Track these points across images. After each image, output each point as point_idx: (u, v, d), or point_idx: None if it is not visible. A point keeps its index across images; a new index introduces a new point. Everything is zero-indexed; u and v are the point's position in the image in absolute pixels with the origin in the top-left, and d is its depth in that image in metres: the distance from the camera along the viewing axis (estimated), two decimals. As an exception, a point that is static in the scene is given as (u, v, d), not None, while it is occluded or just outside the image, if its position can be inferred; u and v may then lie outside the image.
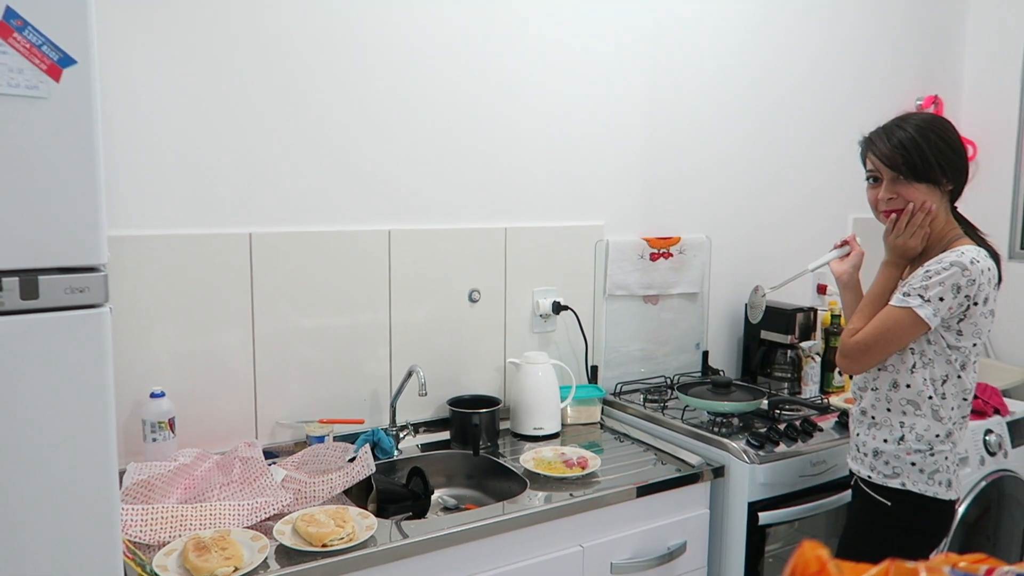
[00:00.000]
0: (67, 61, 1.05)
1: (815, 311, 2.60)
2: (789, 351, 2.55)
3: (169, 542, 1.47)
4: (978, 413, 2.34)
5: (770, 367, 2.58)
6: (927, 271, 1.59)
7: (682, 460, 1.97)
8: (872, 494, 1.71)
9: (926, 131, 1.63)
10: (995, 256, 1.67)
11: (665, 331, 2.57)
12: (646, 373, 2.53)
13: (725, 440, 1.99)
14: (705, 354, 2.65)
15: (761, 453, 1.94)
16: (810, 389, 2.47)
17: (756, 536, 1.95)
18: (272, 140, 1.89)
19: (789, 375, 2.53)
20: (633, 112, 2.42)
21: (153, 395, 1.75)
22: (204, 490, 1.64)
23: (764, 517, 1.93)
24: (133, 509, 1.50)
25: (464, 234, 2.17)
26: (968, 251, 1.60)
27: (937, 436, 1.65)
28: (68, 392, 1.11)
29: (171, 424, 1.76)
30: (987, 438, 2.32)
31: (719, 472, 1.95)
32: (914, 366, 1.65)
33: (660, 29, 2.43)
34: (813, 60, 2.79)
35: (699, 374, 2.60)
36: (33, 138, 1.06)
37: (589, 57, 2.32)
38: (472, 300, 2.20)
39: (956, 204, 1.73)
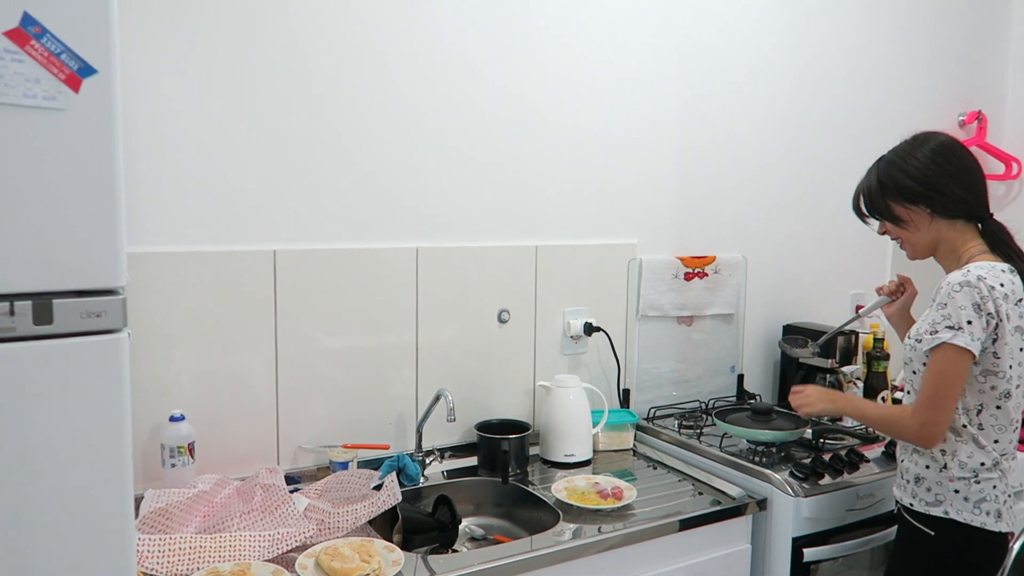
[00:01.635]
0: (87, 71, 0.99)
1: (857, 334, 2.49)
2: (829, 375, 2.44)
3: (187, 575, 1.40)
4: (1033, 443, 2.22)
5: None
6: (939, 303, 1.55)
7: (721, 491, 1.87)
8: (915, 523, 1.63)
9: (887, 166, 1.67)
10: (1022, 272, 1.59)
11: (699, 353, 2.48)
12: (679, 397, 2.44)
13: (767, 471, 1.89)
14: (740, 377, 2.56)
15: (806, 485, 1.84)
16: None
17: (800, 573, 1.84)
18: (297, 155, 1.83)
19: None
20: (666, 127, 2.35)
21: (172, 419, 1.69)
22: (223, 519, 1.57)
23: (809, 554, 1.83)
24: (150, 539, 1.43)
25: (493, 252, 2.10)
26: (974, 269, 1.55)
27: (983, 464, 1.57)
28: (83, 422, 1.04)
29: (191, 449, 1.69)
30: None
31: (762, 505, 1.85)
32: None
33: (691, 43, 2.36)
34: (849, 74, 2.71)
35: (734, 398, 2.50)
36: (49, 152, 0.99)
37: (620, 72, 2.25)
38: (501, 321, 2.12)
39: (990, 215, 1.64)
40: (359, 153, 1.90)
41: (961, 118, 3.00)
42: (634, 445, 2.20)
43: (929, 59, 2.90)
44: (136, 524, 1.48)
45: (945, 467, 1.59)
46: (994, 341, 1.54)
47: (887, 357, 2.55)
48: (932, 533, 1.60)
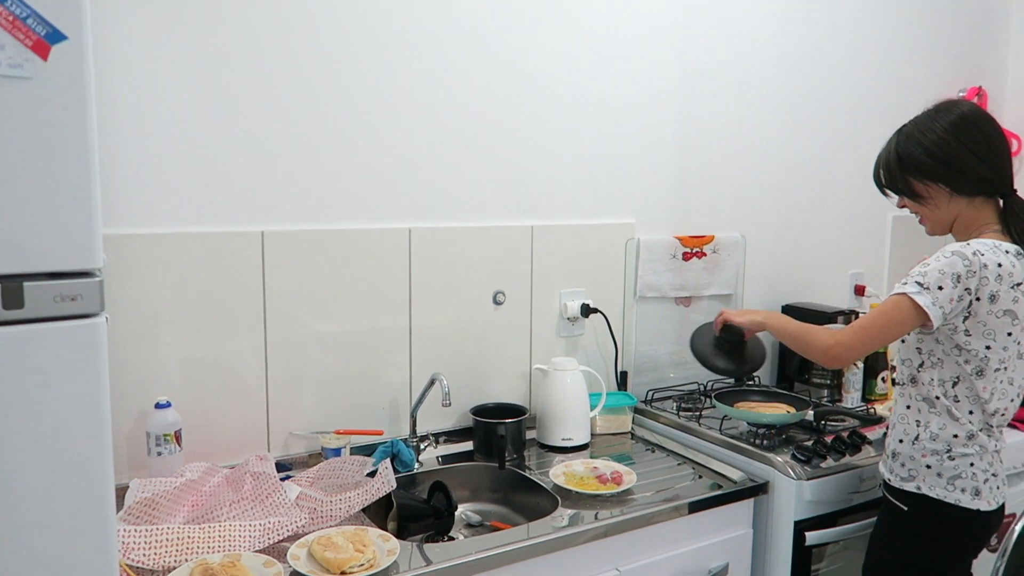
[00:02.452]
0: (56, 36, 0.92)
1: (856, 314, 2.45)
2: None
3: (175, 567, 1.36)
4: (1034, 424, 2.20)
5: (808, 373, 2.44)
6: (927, 260, 1.53)
7: (722, 475, 1.84)
8: (891, 499, 1.63)
9: (906, 139, 1.61)
10: None
11: (697, 334, 2.43)
12: (677, 379, 2.40)
13: (769, 454, 1.85)
14: (739, 359, 2.51)
15: (808, 468, 1.81)
16: (852, 397, 2.33)
17: (802, 556, 1.81)
18: (286, 132, 1.76)
19: (829, 382, 2.40)
20: (664, 105, 2.29)
21: (158, 405, 1.63)
22: (212, 508, 1.52)
23: (811, 537, 1.80)
24: (135, 530, 1.38)
25: (488, 232, 2.04)
26: (977, 243, 1.52)
27: (955, 436, 1.55)
28: (58, 411, 0.99)
29: (177, 437, 1.64)
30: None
31: (763, 489, 1.81)
32: (922, 364, 1.59)
33: (691, 20, 2.30)
34: (850, 50, 2.65)
35: (732, 380, 2.46)
36: (16, 124, 0.93)
37: (618, 47, 2.18)
38: (497, 302, 2.07)
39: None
40: (351, 130, 1.83)
41: (961, 94, 2.95)
42: (632, 428, 2.16)
43: (929, 35, 2.85)
44: (121, 515, 1.44)
45: (917, 439, 1.58)
46: (965, 319, 1.51)
47: (887, 337, 2.51)
48: (905, 508, 1.59)
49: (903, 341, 1.63)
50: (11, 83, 0.91)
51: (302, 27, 1.75)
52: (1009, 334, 1.53)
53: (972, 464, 1.55)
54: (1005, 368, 1.55)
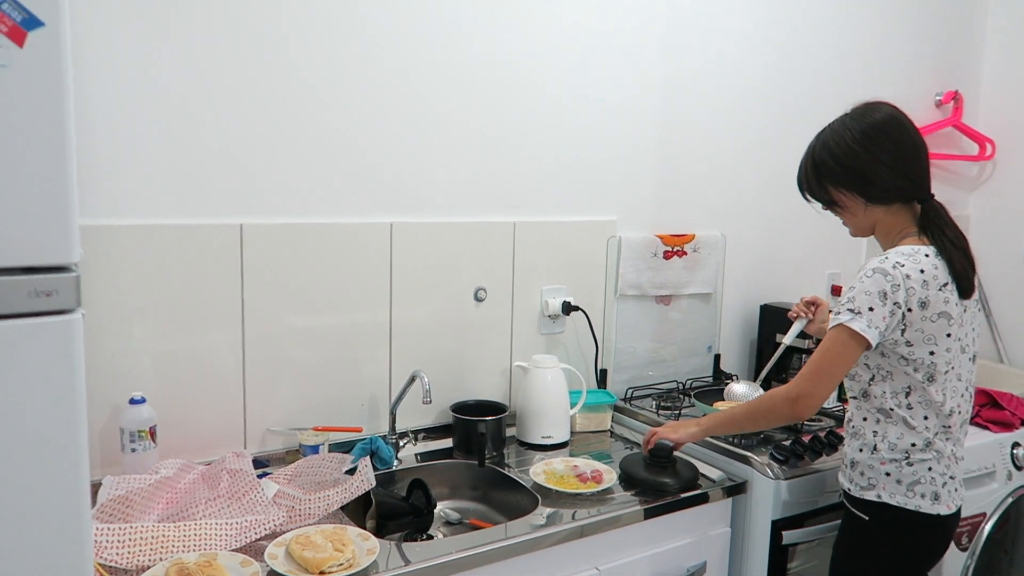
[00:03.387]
0: (32, 23, 0.89)
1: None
2: (805, 356, 2.43)
3: (149, 567, 1.33)
4: (1004, 425, 2.24)
5: (785, 372, 2.45)
6: (851, 285, 1.53)
7: (702, 474, 1.84)
8: (852, 508, 1.63)
9: (822, 147, 1.62)
10: (949, 255, 1.53)
11: (675, 333, 2.45)
12: (655, 377, 2.40)
13: (747, 453, 1.86)
14: (717, 357, 2.53)
15: (786, 468, 1.82)
16: (831, 396, 2.35)
17: (779, 555, 1.83)
18: (266, 123, 1.73)
19: (806, 381, 2.41)
20: (646, 103, 2.29)
21: (132, 401, 1.60)
22: (187, 505, 1.49)
23: (788, 536, 1.81)
24: (108, 529, 1.35)
25: (470, 228, 2.03)
26: (894, 254, 1.52)
27: (913, 445, 1.56)
28: (33, 409, 0.96)
29: (152, 433, 1.61)
30: (1014, 451, 2.21)
31: (741, 488, 1.82)
32: (872, 378, 1.59)
33: (673, 19, 2.30)
34: (830, 54, 2.67)
35: (711, 379, 2.48)
36: (-10, 113, 0.90)
37: (601, 45, 2.18)
38: (478, 299, 2.06)
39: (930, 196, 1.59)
40: (332, 123, 1.81)
41: (938, 98, 2.99)
42: (611, 426, 2.17)
43: (908, 38, 2.87)
44: (93, 513, 1.40)
45: (875, 449, 1.58)
46: (902, 331, 1.51)
47: (863, 338, 2.54)
48: (867, 518, 1.59)
49: None
50: (-15, 71, 0.88)
51: (283, 16, 1.72)
52: (948, 335, 1.53)
53: (930, 468, 1.56)
54: (952, 368, 1.56)
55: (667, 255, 2.36)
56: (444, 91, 1.94)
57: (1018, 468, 2.21)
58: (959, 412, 1.60)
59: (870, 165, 1.55)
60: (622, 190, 2.29)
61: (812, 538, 1.86)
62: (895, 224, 1.60)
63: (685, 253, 2.39)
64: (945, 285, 1.53)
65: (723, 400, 2.15)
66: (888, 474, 1.57)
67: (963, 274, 1.55)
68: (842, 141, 1.58)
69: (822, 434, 1.96)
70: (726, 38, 2.41)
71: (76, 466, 1.00)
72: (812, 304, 1.99)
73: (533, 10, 2.05)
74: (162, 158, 1.63)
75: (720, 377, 2.49)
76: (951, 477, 1.59)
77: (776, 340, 2.47)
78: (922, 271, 1.50)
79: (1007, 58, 3.04)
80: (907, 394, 1.56)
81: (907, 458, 1.56)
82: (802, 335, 2.06)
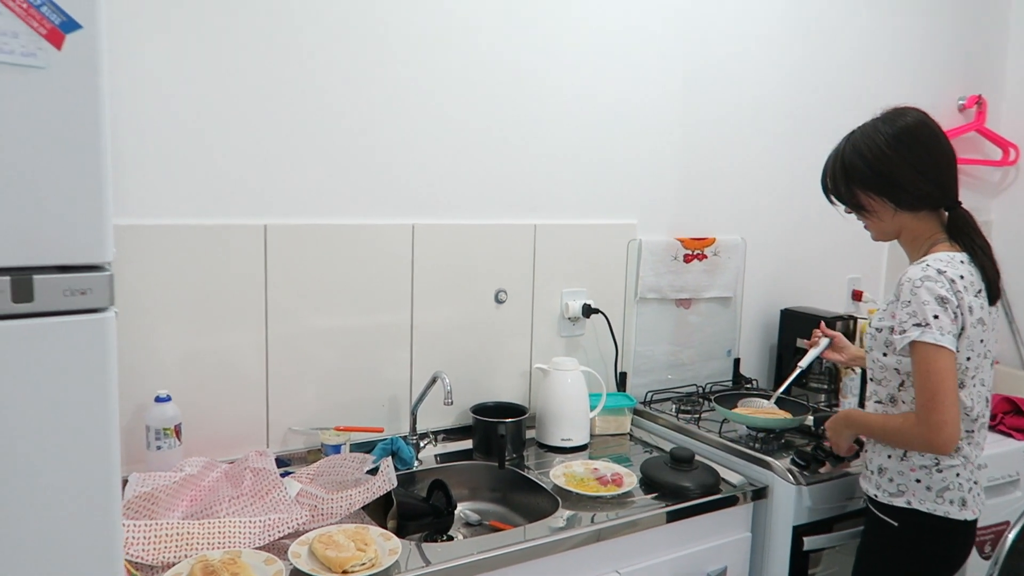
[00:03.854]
0: (71, 26, 0.91)
1: (855, 319, 2.47)
2: (826, 361, 2.41)
3: (174, 563, 1.35)
4: (1027, 432, 2.21)
5: (806, 378, 2.44)
6: (903, 301, 1.50)
7: (722, 479, 1.84)
8: (880, 514, 1.61)
9: (851, 150, 1.60)
10: (981, 263, 1.53)
11: (695, 337, 2.44)
12: (675, 380, 2.40)
13: (768, 459, 1.85)
14: (737, 362, 2.52)
15: (807, 473, 1.81)
16: (849, 402, 2.33)
17: (800, 561, 1.82)
18: (291, 126, 1.75)
19: (826, 387, 2.40)
20: (667, 107, 2.29)
21: (158, 399, 1.62)
22: (211, 503, 1.51)
23: (809, 542, 1.80)
24: (135, 525, 1.37)
25: (491, 230, 2.03)
26: (933, 262, 1.50)
27: None
28: (66, 406, 0.97)
29: (177, 431, 1.62)
30: (1039, 458, 2.18)
31: (762, 493, 1.82)
32: (902, 384, 1.56)
33: (693, 21, 2.29)
34: (852, 57, 2.65)
35: (730, 383, 2.47)
36: (29, 114, 0.91)
37: (623, 47, 2.18)
38: (498, 301, 2.07)
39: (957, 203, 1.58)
40: (355, 126, 1.82)
41: (961, 102, 2.96)
42: (631, 429, 2.16)
43: (931, 41, 2.85)
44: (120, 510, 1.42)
45: (905, 456, 1.57)
46: (959, 333, 1.49)
47: (885, 343, 2.52)
48: (896, 524, 1.58)
49: (874, 360, 1.60)
50: (23, 72, 0.89)
51: (307, 23, 1.73)
52: (981, 340, 1.53)
53: (958, 474, 1.55)
54: (978, 373, 1.55)
55: (687, 258, 2.35)
56: (465, 94, 1.95)
57: (1043, 476, 2.18)
58: (981, 417, 1.59)
59: (901, 170, 1.54)
60: (642, 193, 2.29)
61: (833, 544, 1.85)
62: (923, 231, 1.59)
63: (705, 257, 2.38)
64: (980, 292, 1.53)
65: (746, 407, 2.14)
66: (919, 480, 1.56)
67: (993, 281, 1.54)
68: (874, 145, 1.56)
69: (844, 440, 1.94)
70: (748, 40, 2.40)
71: (108, 462, 1.01)
72: (825, 334, 1.99)
73: (554, 18, 2.05)
74: (189, 159, 1.65)
75: (740, 381, 2.48)
76: (975, 482, 1.58)
77: (796, 344, 2.47)
78: (962, 276, 1.50)
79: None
80: None
81: (937, 464, 1.55)
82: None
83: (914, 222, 1.58)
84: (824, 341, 1.98)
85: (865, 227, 1.68)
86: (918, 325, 1.47)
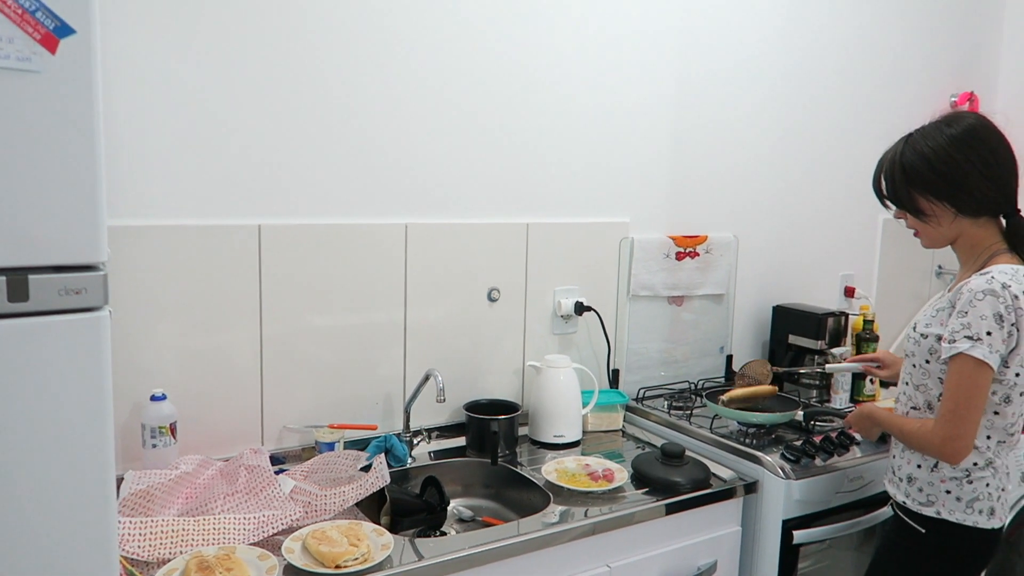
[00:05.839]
0: (65, 30, 0.92)
1: (846, 316, 2.49)
2: (818, 357, 2.44)
3: (169, 559, 1.36)
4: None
5: (797, 374, 2.46)
6: (960, 310, 1.47)
7: (713, 474, 1.86)
8: (907, 520, 1.60)
9: (912, 152, 1.54)
10: None
11: (688, 334, 2.46)
12: (667, 377, 2.42)
13: (759, 453, 1.87)
14: (729, 358, 2.54)
15: (797, 468, 1.83)
16: (840, 398, 2.36)
17: (789, 555, 1.84)
18: (285, 127, 1.76)
19: (818, 382, 2.42)
20: (661, 104, 2.30)
21: (154, 398, 1.63)
22: (206, 500, 1.53)
23: (799, 536, 1.82)
24: (131, 522, 1.39)
25: (484, 229, 2.05)
26: (999, 275, 1.46)
27: (975, 464, 1.53)
28: (61, 405, 0.99)
29: (172, 429, 1.64)
30: (1027, 453, 2.20)
31: (752, 488, 1.84)
32: (941, 395, 1.53)
33: (689, 21, 2.31)
34: (844, 56, 2.67)
35: (723, 380, 2.49)
36: (24, 117, 0.93)
37: (617, 47, 2.19)
38: (491, 299, 2.08)
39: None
40: (349, 126, 1.84)
41: (953, 99, 2.98)
42: (623, 426, 2.18)
43: (923, 39, 2.87)
44: (116, 506, 1.44)
45: (936, 466, 1.55)
46: (1010, 352, 1.47)
47: (876, 339, 2.55)
48: (923, 531, 1.57)
49: (915, 366, 1.59)
50: (19, 76, 0.91)
51: (301, 22, 1.75)
52: None
53: (988, 484, 1.53)
54: (1022, 392, 1.52)
55: (679, 256, 2.37)
56: (459, 95, 1.97)
57: (1031, 470, 2.21)
58: (1018, 426, 1.56)
59: (965, 173, 1.49)
60: (635, 192, 2.31)
61: (823, 538, 1.87)
62: (982, 238, 1.55)
63: (697, 254, 2.40)
64: None
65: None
66: (948, 491, 1.54)
67: None
68: (937, 146, 1.50)
69: (833, 435, 1.97)
70: (741, 41, 2.42)
71: (103, 460, 1.03)
72: (871, 359, 1.96)
73: (548, 18, 2.07)
74: (184, 160, 1.67)
75: (732, 378, 2.50)
76: (1003, 490, 1.56)
77: (789, 342, 2.50)
78: None
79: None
80: None
81: (967, 476, 1.53)
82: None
83: (973, 228, 1.54)
84: (856, 366, 2.01)
85: (915, 234, 1.63)
86: (969, 338, 1.44)
